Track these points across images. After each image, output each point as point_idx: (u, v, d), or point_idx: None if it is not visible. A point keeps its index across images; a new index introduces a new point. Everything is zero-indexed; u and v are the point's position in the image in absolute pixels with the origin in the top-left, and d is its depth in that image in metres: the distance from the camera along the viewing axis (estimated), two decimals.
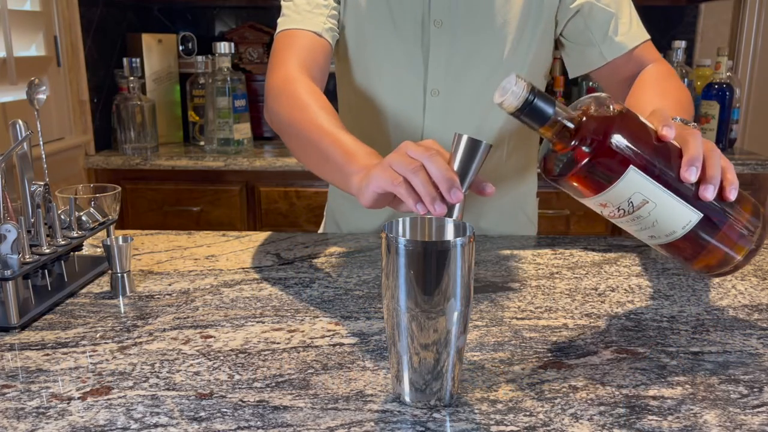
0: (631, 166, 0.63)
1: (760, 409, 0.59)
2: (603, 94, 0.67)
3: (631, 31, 1.03)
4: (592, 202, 0.67)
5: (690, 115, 0.93)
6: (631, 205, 0.65)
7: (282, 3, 1.05)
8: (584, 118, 0.65)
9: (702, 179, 0.65)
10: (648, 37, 1.05)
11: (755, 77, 2.53)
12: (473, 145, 0.67)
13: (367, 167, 0.75)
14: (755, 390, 0.62)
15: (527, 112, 0.64)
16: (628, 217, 0.67)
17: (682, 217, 0.66)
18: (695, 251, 0.69)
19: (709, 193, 0.65)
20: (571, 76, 1.11)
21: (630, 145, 0.63)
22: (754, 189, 2.08)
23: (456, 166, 0.68)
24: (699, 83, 2.27)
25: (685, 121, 0.78)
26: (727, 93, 2.16)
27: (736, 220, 0.69)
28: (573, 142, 0.65)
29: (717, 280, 0.90)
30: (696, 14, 2.48)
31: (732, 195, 0.67)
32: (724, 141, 2.20)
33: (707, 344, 0.72)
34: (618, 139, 0.63)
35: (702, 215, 0.66)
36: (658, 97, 0.93)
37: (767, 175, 2.07)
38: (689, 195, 0.66)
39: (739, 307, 0.82)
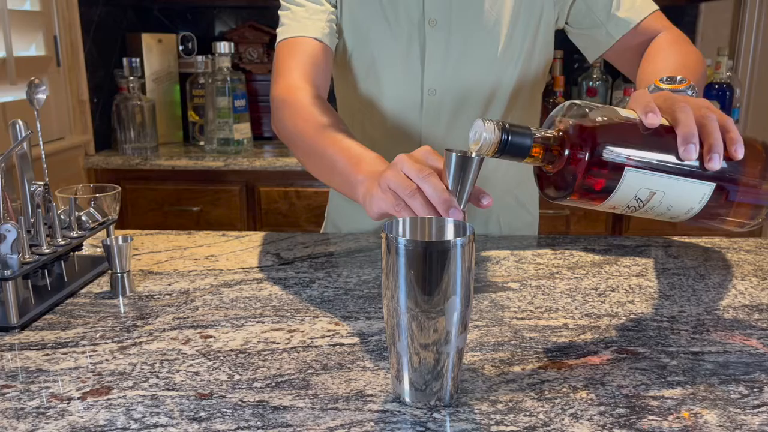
0: (626, 168, 0.62)
1: (760, 409, 0.59)
2: (575, 101, 0.66)
3: (635, 5, 1.02)
4: (600, 208, 0.67)
5: (696, 75, 0.88)
6: (639, 201, 0.64)
7: (280, 13, 1.05)
8: (563, 134, 0.64)
9: (704, 150, 0.63)
10: (655, 7, 1.04)
11: (755, 77, 2.52)
12: (464, 161, 0.66)
13: (372, 177, 0.75)
14: (755, 390, 0.62)
15: (506, 151, 0.63)
16: (640, 210, 0.66)
17: (695, 193, 0.64)
18: (721, 216, 0.67)
19: (715, 163, 0.63)
20: (590, 61, 1.11)
21: (618, 147, 0.62)
22: None
23: (450, 183, 0.67)
24: None
25: (673, 78, 0.76)
26: (727, 93, 2.16)
27: (751, 174, 0.66)
28: (561, 164, 0.64)
29: (717, 279, 0.90)
30: (696, 14, 2.48)
31: (739, 154, 0.64)
32: None
33: (707, 344, 0.72)
34: (605, 147, 0.62)
35: (714, 184, 0.64)
36: (663, 65, 0.91)
37: None
38: (695, 170, 0.63)
39: (739, 307, 0.82)
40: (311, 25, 1.01)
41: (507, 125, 0.63)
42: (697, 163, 0.64)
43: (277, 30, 1.04)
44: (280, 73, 1.00)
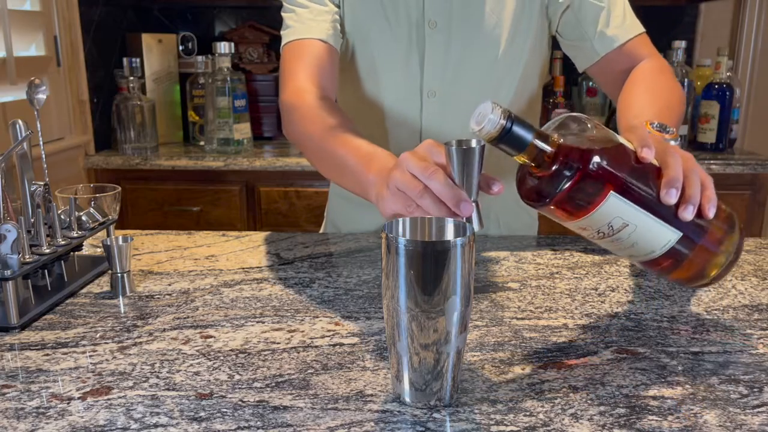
0: (611, 191, 0.63)
1: (760, 409, 0.59)
2: (578, 114, 0.66)
3: (624, 24, 1.02)
4: (572, 226, 0.67)
5: (678, 118, 0.92)
6: (611, 228, 0.65)
7: (283, 14, 1.04)
8: (562, 142, 0.64)
9: (681, 199, 0.65)
10: (642, 30, 1.03)
11: (755, 77, 2.53)
12: (465, 153, 0.66)
13: (382, 176, 0.75)
14: (755, 390, 0.62)
15: (505, 140, 0.63)
16: (608, 239, 0.67)
17: (662, 237, 0.66)
18: (673, 266, 0.70)
19: (688, 214, 0.65)
20: (579, 71, 1.11)
21: (610, 169, 0.63)
22: (754, 189, 2.08)
23: (456, 177, 0.66)
24: (699, 83, 2.27)
25: (663, 126, 0.77)
26: (727, 93, 2.16)
27: (713, 235, 0.69)
28: (552, 169, 0.64)
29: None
30: (696, 14, 2.48)
31: (711, 213, 0.67)
32: (724, 141, 2.20)
33: (707, 344, 0.72)
34: (598, 165, 0.62)
35: (681, 234, 0.66)
36: (648, 98, 0.91)
37: (767, 175, 2.07)
38: (668, 215, 0.65)
39: (739, 307, 0.82)
40: (316, 27, 1.00)
41: (513, 114, 0.63)
42: (671, 210, 0.65)
43: (282, 32, 1.04)
44: (288, 77, 0.99)
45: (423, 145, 0.72)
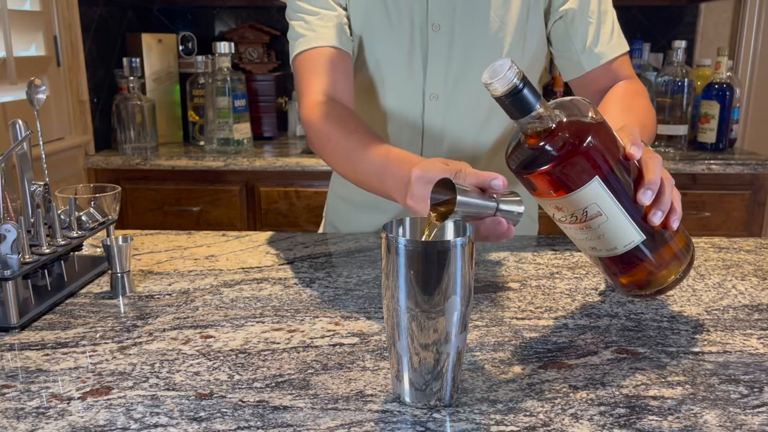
0: (596, 176, 0.64)
1: (760, 409, 0.59)
2: (584, 99, 0.67)
3: (611, 42, 1.02)
4: (548, 203, 0.68)
5: (650, 139, 0.94)
6: (585, 214, 0.66)
7: (291, 22, 1.03)
8: (564, 119, 0.65)
9: (653, 204, 0.67)
10: (627, 49, 1.04)
11: (755, 77, 2.53)
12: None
13: (401, 185, 0.75)
14: (755, 390, 0.62)
15: (512, 99, 0.63)
16: (577, 225, 0.68)
17: (627, 235, 0.68)
18: (626, 269, 0.71)
19: (656, 218, 0.67)
20: (564, 80, 1.11)
21: (601, 155, 0.64)
22: (754, 189, 2.08)
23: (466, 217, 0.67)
24: (699, 83, 2.27)
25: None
26: (727, 93, 2.16)
27: (670, 249, 0.71)
28: (547, 141, 0.65)
29: (717, 279, 0.90)
30: (696, 14, 2.48)
31: (675, 225, 0.69)
32: (724, 141, 2.20)
33: (707, 344, 0.72)
34: (591, 148, 0.63)
35: (644, 237, 0.68)
36: (623, 115, 0.92)
37: (767, 175, 2.07)
38: (638, 216, 0.67)
39: (739, 307, 0.82)
40: (327, 33, 1.00)
41: (526, 78, 0.63)
42: (642, 212, 0.68)
43: (293, 42, 1.02)
44: (304, 93, 0.99)
45: (420, 188, 0.71)
